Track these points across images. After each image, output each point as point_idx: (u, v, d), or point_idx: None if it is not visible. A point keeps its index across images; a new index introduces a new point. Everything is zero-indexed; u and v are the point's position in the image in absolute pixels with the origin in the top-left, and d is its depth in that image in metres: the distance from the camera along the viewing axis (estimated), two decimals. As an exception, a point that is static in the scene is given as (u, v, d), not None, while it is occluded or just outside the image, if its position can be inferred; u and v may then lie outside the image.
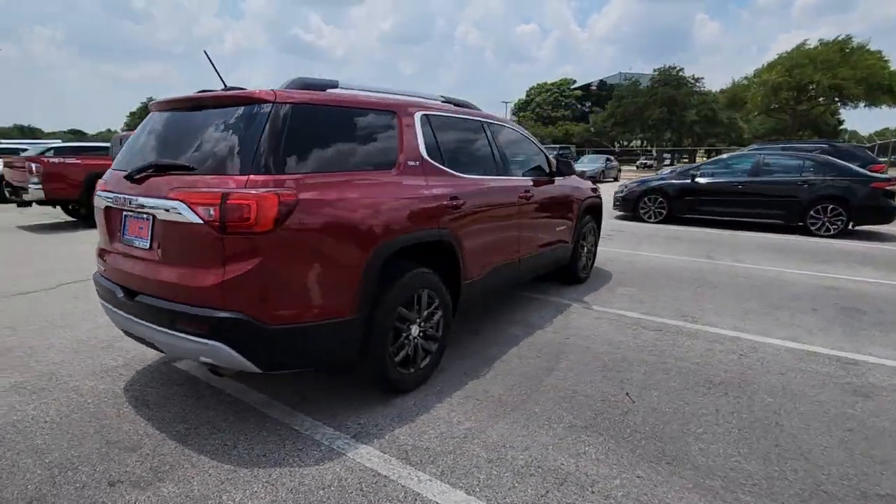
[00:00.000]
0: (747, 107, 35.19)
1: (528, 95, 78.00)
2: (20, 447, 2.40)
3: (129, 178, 2.48)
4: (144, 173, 2.45)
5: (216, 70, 2.64)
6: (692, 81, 43.99)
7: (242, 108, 2.37)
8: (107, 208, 2.68)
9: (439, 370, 3.23)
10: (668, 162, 43.71)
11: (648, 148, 50.90)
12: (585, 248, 5.36)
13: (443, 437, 2.51)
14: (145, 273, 2.42)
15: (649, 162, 40.81)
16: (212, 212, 2.14)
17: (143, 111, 72.03)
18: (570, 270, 5.18)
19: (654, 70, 44.70)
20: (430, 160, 3.09)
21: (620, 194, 10.64)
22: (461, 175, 3.32)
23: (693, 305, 4.67)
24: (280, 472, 2.23)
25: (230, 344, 2.21)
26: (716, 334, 3.94)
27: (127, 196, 2.50)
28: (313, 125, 2.50)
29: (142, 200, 2.40)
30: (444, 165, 3.20)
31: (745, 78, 35.19)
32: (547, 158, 4.60)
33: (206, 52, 2.65)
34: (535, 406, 2.82)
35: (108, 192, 2.65)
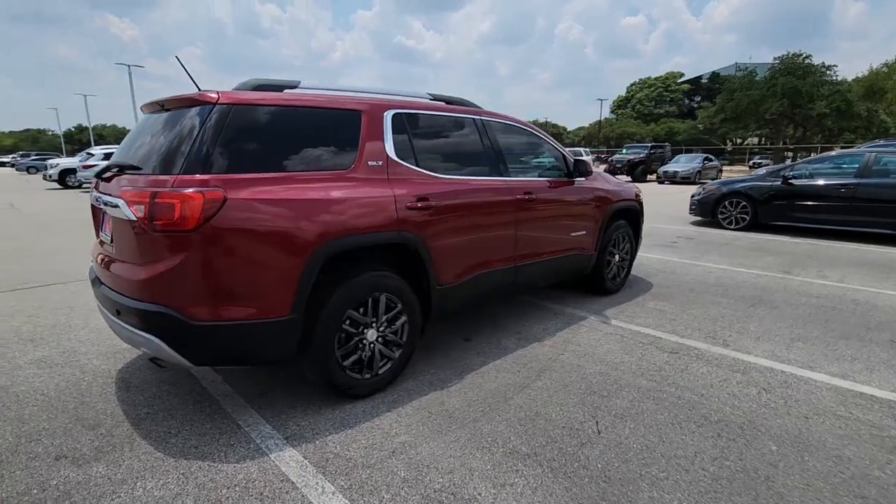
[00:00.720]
0: (887, 97, 30.17)
1: (628, 92, 73.98)
2: (10, 415, 2.71)
3: (97, 176, 2.70)
4: (110, 172, 2.65)
5: (188, 73, 2.77)
6: (822, 70, 38.59)
7: (190, 109, 2.46)
8: (92, 205, 2.94)
9: (407, 376, 3.13)
10: (789, 161, 38.88)
11: (768, 146, 45.64)
12: (617, 257, 4.90)
13: (371, 448, 2.41)
14: (105, 265, 2.62)
15: (764, 161, 36.58)
16: (142, 209, 2.25)
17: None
18: (595, 280, 4.77)
19: (775, 59, 39.91)
20: (397, 160, 2.99)
21: (697, 197, 9.61)
22: (438, 176, 3.18)
23: (732, 327, 4.06)
24: (199, 466, 2.28)
25: (160, 337, 2.30)
26: (743, 362, 3.38)
27: (98, 194, 2.71)
28: (256, 126, 2.52)
29: (104, 198, 2.58)
30: (416, 165, 3.08)
31: (885, 65, 30.19)
32: (564, 159, 4.27)
33: (177, 58, 2.78)
34: (486, 425, 2.61)
35: (93, 189, 2.90)
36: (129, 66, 36.10)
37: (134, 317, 2.34)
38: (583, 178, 4.38)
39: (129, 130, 3.26)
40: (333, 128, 2.80)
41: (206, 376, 3.18)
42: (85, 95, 47.98)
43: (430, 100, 3.49)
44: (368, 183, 2.81)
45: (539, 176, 4.07)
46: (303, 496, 2.08)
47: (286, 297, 2.46)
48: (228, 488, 2.13)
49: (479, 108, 3.81)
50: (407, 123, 3.13)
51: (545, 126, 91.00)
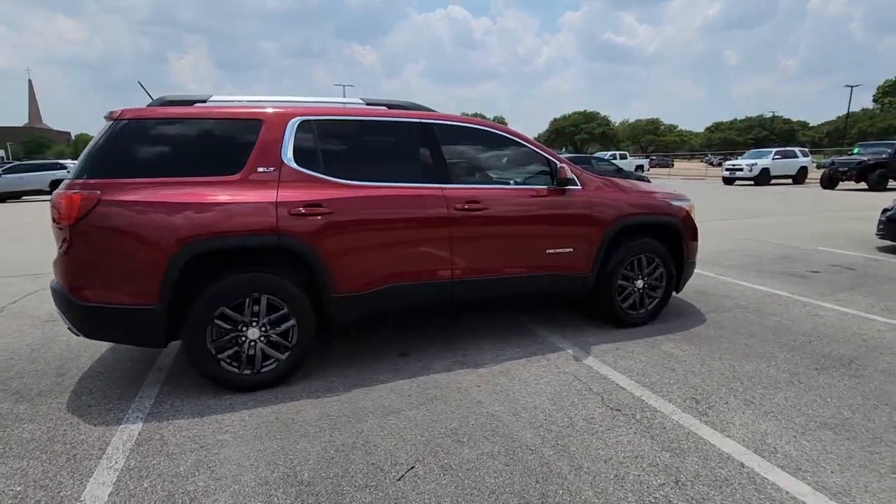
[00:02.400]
0: None
1: (899, 74, 57.68)
2: None
3: None
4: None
5: (145, 90, 3.30)
6: None
7: (107, 123, 2.94)
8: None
9: (300, 379, 3.16)
10: None
11: None
12: (639, 283, 4.00)
13: (190, 439, 2.55)
14: None
15: None
16: (52, 207, 2.79)
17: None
18: (600, 307, 3.98)
19: None
20: (294, 166, 3.04)
21: (889, 212, 7.04)
22: (344, 182, 3.11)
23: (744, 394, 2.97)
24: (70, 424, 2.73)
25: (60, 310, 2.84)
26: (702, 449, 2.47)
27: None
28: (148, 137, 2.88)
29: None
30: (318, 171, 3.08)
31: None
32: (549, 165, 3.68)
33: (140, 83, 3.34)
34: (306, 443, 2.49)
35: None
36: (343, 86, 42.64)
37: (52, 291, 2.92)
38: (576, 187, 3.72)
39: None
40: (227, 137, 3.00)
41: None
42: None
43: (365, 105, 3.42)
44: (252, 188, 2.93)
45: (507, 183, 3.61)
46: (95, 465, 2.34)
47: (151, 289, 2.75)
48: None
49: (430, 111, 3.57)
50: (315, 130, 3.15)
51: (771, 122, 76.77)
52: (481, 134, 3.62)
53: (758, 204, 14.22)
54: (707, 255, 6.94)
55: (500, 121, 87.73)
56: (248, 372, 3.01)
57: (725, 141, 76.57)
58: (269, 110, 3.10)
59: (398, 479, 2.21)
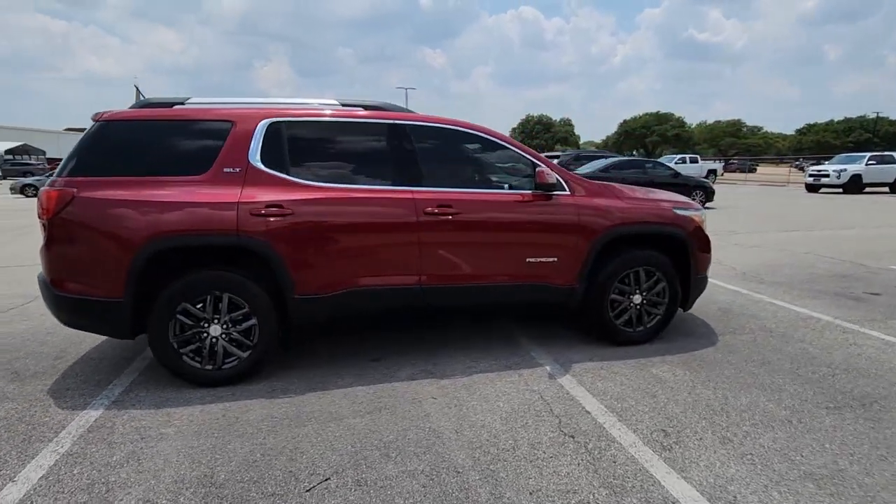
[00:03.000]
0: None
1: None
2: None
3: None
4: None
5: (139, 91, 3.48)
6: None
7: (92, 123, 3.12)
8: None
9: (262, 379, 3.18)
10: None
11: None
12: (637, 297, 3.67)
13: (136, 429, 2.62)
14: None
15: None
16: (38, 201, 3.00)
17: (524, 125, 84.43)
18: (591, 322, 3.70)
19: None
20: (260, 167, 3.07)
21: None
22: (308, 183, 3.10)
23: (734, 428, 2.61)
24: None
25: (44, 298, 3.04)
26: (652, 483, 2.20)
27: None
28: (125, 137, 3.02)
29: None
30: (283, 173, 3.09)
31: None
32: (534, 169, 3.46)
33: (136, 86, 3.52)
34: (239, 444, 2.49)
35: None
36: (406, 89, 43.57)
37: (38, 282, 3.14)
38: (563, 192, 3.48)
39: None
40: (199, 137, 3.09)
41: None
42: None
43: (340, 106, 3.38)
44: (217, 188, 2.99)
45: (486, 187, 3.45)
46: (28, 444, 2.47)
47: (118, 283, 2.88)
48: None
49: (408, 112, 3.47)
50: (284, 132, 3.16)
51: (875, 123, 69.16)
52: (460, 135, 3.48)
53: (837, 214, 12.79)
54: (751, 269, 6.31)
55: (567, 123, 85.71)
56: (209, 367, 3.07)
57: (819, 144, 69.79)
58: (240, 112, 3.16)
59: (307, 490, 2.15)
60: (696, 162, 30.73)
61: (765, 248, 7.86)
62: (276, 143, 3.14)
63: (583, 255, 3.50)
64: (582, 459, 2.36)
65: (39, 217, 2.96)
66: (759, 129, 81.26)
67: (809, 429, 2.61)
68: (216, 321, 3.04)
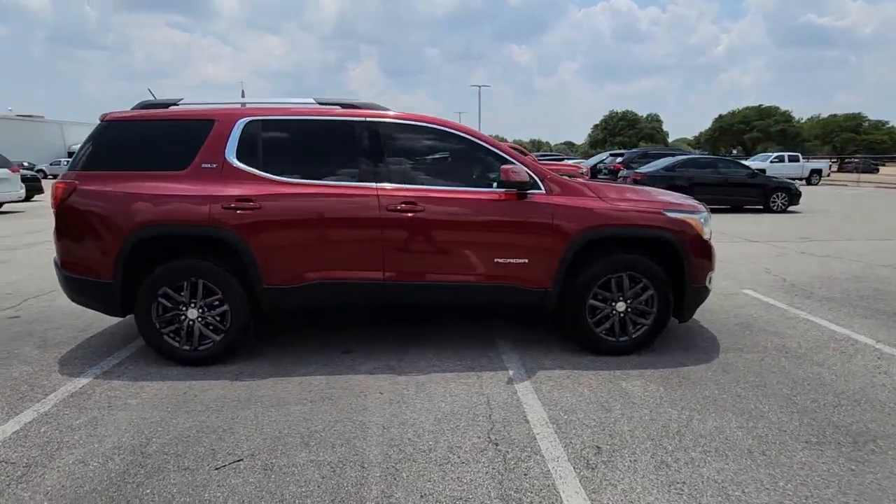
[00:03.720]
0: None
1: None
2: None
3: None
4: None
5: (151, 94, 3.80)
6: None
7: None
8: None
9: (236, 362, 3.39)
10: None
11: None
12: (620, 305, 3.42)
13: (98, 399, 2.92)
14: None
15: None
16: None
17: (606, 121, 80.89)
18: (569, 329, 3.51)
19: None
20: (236, 163, 3.26)
21: None
22: (279, 179, 3.25)
23: (680, 453, 2.37)
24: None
25: (58, 279, 3.47)
26: (554, 502, 2.07)
27: None
28: (122, 136, 3.35)
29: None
30: (257, 169, 3.26)
31: None
32: (501, 166, 3.32)
33: (149, 89, 3.86)
34: (185, 421, 2.69)
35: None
36: (479, 87, 43.92)
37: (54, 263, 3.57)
38: (538, 191, 3.34)
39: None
40: (183, 135, 3.34)
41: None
42: (460, 113, 60.04)
43: (317, 105, 3.49)
44: (194, 183, 3.22)
45: (454, 185, 3.39)
46: None
47: (109, 266, 3.21)
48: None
49: (384, 110, 3.50)
50: (260, 130, 3.33)
51: None
52: (432, 133, 3.45)
53: (954, 222, 10.95)
54: (805, 280, 5.63)
55: (654, 119, 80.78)
56: (187, 348, 3.33)
57: (963, 141, 59.79)
58: (222, 112, 3.37)
59: (216, 469, 2.27)
60: (797, 161, 27.70)
61: (835, 259, 6.94)
62: (252, 140, 3.31)
63: (557, 257, 3.33)
64: (493, 469, 2.27)
65: (53, 206, 3.37)
66: (885, 123, 71.10)
67: (771, 463, 2.31)
68: (193, 305, 3.29)
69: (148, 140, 3.37)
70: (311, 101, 3.53)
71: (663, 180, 12.57)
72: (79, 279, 3.32)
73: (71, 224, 3.29)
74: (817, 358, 3.50)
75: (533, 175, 3.36)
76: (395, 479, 2.20)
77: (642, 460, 2.33)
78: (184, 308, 3.29)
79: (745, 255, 7.16)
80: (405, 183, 3.34)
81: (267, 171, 3.27)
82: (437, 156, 3.58)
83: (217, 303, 3.29)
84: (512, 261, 3.34)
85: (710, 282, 3.58)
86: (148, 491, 2.12)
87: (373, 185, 3.29)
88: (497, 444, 2.46)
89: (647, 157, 15.00)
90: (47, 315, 4.45)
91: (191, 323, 3.31)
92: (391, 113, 3.47)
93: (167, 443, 2.47)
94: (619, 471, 2.26)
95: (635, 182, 12.80)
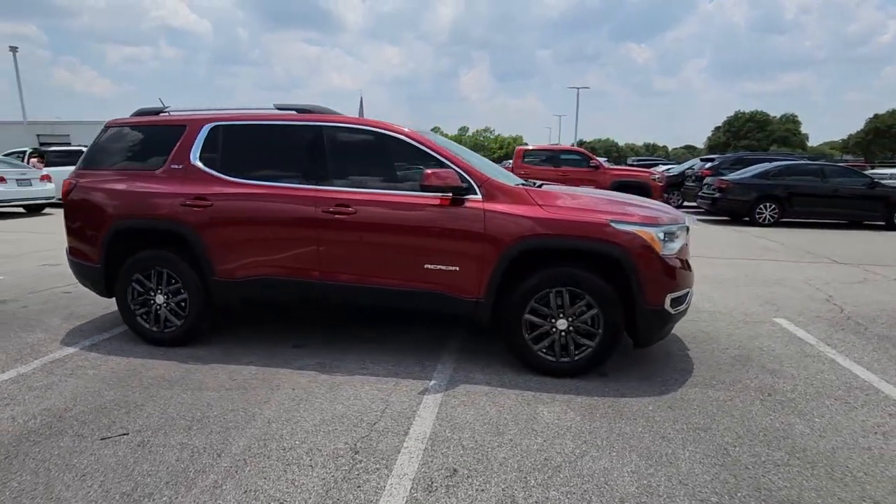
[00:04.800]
0: None
1: None
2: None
3: None
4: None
5: (161, 102, 4.27)
6: None
7: (104, 129, 4.02)
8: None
9: (196, 346, 3.70)
10: None
11: None
12: (562, 323, 3.14)
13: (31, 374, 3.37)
14: None
15: None
16: (69, 188, 4.01)
17: (730, 122, 73.38)
18: (509, 344, 3.29)
19: None
20: (198, 165, 3.56)
21: None
22: (232, 179, 3.49)
23: (546, 476, 2.14)
24: (55, 337, 3.93)
25: (69, 264, 4.06)
26: (360, 512, 1.99)
27: None
28: (117, 139, 3.83)
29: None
30: (215, 170, 3.54)
31: None
32: (434, 171, 3.16)
33: (160, 99, 4.34)
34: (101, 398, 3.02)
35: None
36: (577, 88, 42.43)
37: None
38: (473, 196, 3.19)
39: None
40: (161, 139, 3.71)
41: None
42: (560, 116, 58.03)
43: (276, 110, 3.67)
44: (164, 182, 3.58)
45: (390, 189, 3.36)
46: None
47: (98, 253, 3.70)
48: None
49: (335, 114, 3.57)
50: (221, 134, 3.60)
51: None
52: (375, 136, 3.44)
53: None
54: (870, 313, 4.68)
55: (790, 120, 71.46)
56: (155, 329, 3.71)
57: None
58: (194, 118, 3.70)
59: (101, 439, 2.52)
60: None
61: (939, 290, 5.63)
62: (214, 143, 3.60)
63: (490, 267, 3.16)
64: (331, 477, 2.23)
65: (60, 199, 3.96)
66: None
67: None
68: (160, 292, 3.66)
69: (135, 143, 3.82)
70: (273, 105, 3.73)
71: (755, 190, 11.17)
72: (78, 263, 3.86)
73: (72, 216, 3.84)
74: (805, 406, 2.90)
75: (469, 180, 3.22)
76: (236, 472, 2.26)
77: (490, 491, 2.14)
78: (153, 293, 3.67)
79: (813, 278, 6.10)
80: (343, 185, 3.39)
81: (223, 173, 3.54)
82: (376, 159, 3.56)
83: (179, 291, 3.62)
84: (442, 268, 3.23)
85: (673, 304, 3.14)
86: (38, 450, 2.42)
87: (313, 186, 3.40)
88: (357, 453, 2.42)
89: (742, 163, 13.34)
90: (81, 291, 5.19)
91: (158, 307, 3.68)
92: (337, 116, 3.55)
93: (85, 411, 2.79)
94: (456, 498, 2.10)
95: (719, 190, 11.52)
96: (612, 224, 3.05)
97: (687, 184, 14.49)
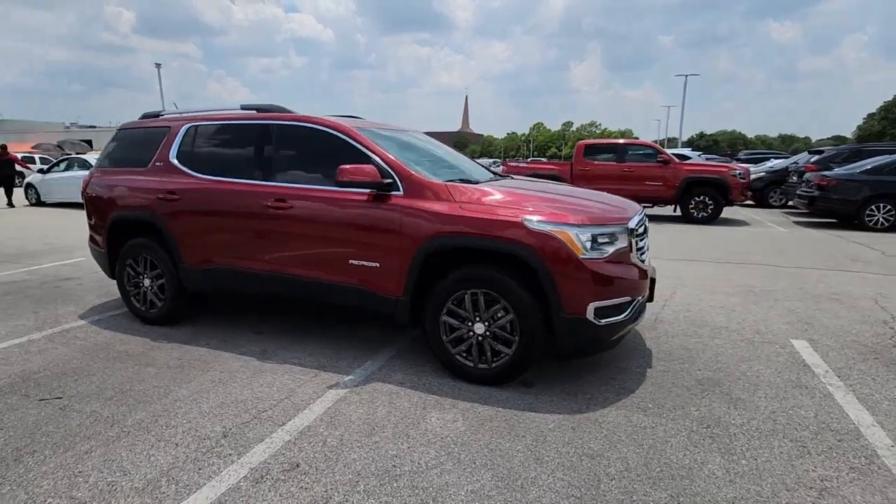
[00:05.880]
0: None
1: None
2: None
3: None
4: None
5: (175, 106, 4.78)
6: None
7: (120, 132, 4.57)
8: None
9: (179, 329, 4.09)
10: None
11: None
12: (479, 327, 2.95)
13: None
14: None
15: None
16: (95, 184, 4.64)
17: (885, 110, 62.43)
18: (431, 345, 3.17)
19: None
20: (174, 162, 3.92)
21: None
22: (198, 175, 3.79)
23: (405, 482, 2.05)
24: (78, 311, 4.58)
25: (89, 249, 4.69)
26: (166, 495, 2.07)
27: None
28: (125, 139, 4.34)
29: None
30: (186, 167, 3.87)
31: None
32: (348, 167, 3.11)
33: (174, 104, 4.81)
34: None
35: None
36: (685, 76, 39.23)
37: (92, 238, 4.82)
38: (398, 193, 3.12)
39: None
40: (152, 139, 4.13)
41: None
42: (669, 107, 53.27)
43: (240, 109, 3.90)
44: (149, 177, 4.00)
45: (325, 185, 3.39)
46: None
47: (105, 240, 4.25)
48: (52, 321, 4.32)
49: (288, 112, 3.69)
50: (194, 134, 3.92)
51: None
52: (316, 133, 3.49)
53: None
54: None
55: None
56: (143, 309, 4.16)
57: None
58: (177, 119, 4.07)
59: (40, 400, 2.90)
60: None
61: None
62: (188, 142, 3.93)
63: (407, 265, 3.07)
64: (185, 457, 2.35)
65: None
66: None
67: (435, 541, 1.83)
68: (146, 276, 4.10)
69: (135, 144, 4.29)
70: (238, 105, 3.97)
71: (865, 187, 9.46)
72: (93, 248, 4.47)
73: (88, 208, 4.44)
74: (742, 444, 2.43)
75: (394, 175, 3.16)
76: (113, 442, 2.47)
77: (312, 491, 2.11)
78: (141, 277, 4.12)
79: (892, 296, 5.01)
80: (285, 181, 3.51)
81: (191, 169, 3.85)
82: (315, 156, 3.58)
83: (160, 276, 4.03)
84: (365, 264, 3.22)
85: (600, 315, 2.79)
86: (-11, 403, 2.87)
87: (259, 182, 3.57)
88: (225, 437, 2.51)
89: (860, 156, 11.23)
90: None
91: (145, 290, 4.13)
92: (284, 115, 3.67)
93: (49, 375, 3.23)
94: (275, 492, 2.10)
95: (819, 188, 9.89)
96: (525, 223, 2.80)
97: (789, 180, 12.61)
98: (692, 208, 10.54)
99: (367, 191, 3.19)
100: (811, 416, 2.70)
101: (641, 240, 3.18)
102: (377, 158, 3.25)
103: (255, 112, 3.83)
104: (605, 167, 11.00)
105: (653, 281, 3.28)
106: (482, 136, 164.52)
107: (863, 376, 3.18)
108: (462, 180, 3.37)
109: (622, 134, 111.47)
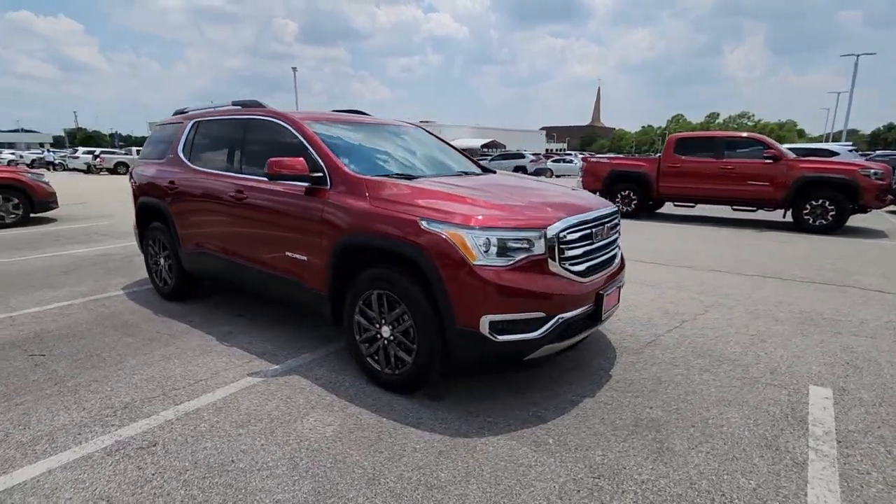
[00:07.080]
0: None
1: None
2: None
3: None
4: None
5: (212, 104, 5.25)
6: None
7: (162, 128, 5.16)
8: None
9: (186, 306, 4.54)
10: None
11: None
12: (386, 331, 2.79)
13: None
14: None
15: None
16: (141, 172, 5.32)
17: None
18: (348, 346, 3.08)
19: None
20: (180, 155, 4.33)
21: None
22: (192, 166, 4.14)
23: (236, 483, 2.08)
24: (125, 283, 5.32)
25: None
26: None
27: None
28: (155, 135, 4.90)
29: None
30: (186, 159, 4.25)
31: None
32: (315, 161, 3.16)
33: (211, 102, 5.27)
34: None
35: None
36: (857, 55, 32.74)
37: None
38: (325, 187, 3.08)
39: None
40: (171, 134, 4.60)
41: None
42: (838, 93, 44.21)
43: (232, 105, 4.14)
44: (164, 168, 4.47)
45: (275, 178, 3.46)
46: None
47: (136, 222, 4.87)
48: (100, 289, 5.08)
49: (263, 107, 3.82)
50: (196, 129, 4.28)
51: None
52: (273, 127, 3.55)
53: None
54: None
55: None
56: (160, 284, 4.69)
57: None
58: (189, 115, 4.47)
59: (30, 355, 3.41)
60: None
61: None
62: (191, 137, 4.31)
63: (327, 261, 3.02)
64: (80, 420, 2.59)
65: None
66: None
67: (198, 544, 1.78)
68: (161, 255, 4.60)
69: (161, 138, 4.82)
70: (230, 102, 4.23)
71: None
72: (135, 232, 5.13)
73: (133, 195, 5.10)
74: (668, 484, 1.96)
75: (325, 169, 3.12)
76: (45, 399, 2.82)
77: (144, 471, 2.18)
78: (157, 256, 4.64)
79: None
80: (247, 173, 3.66)
81: (189, 161, 4.22)
82: (272, 148, 3.61)
83: (169, 257, 4.50)
84: (297, 256, 3.23)
85: (497, 329, 2.45)
86: (-4, 353, 3.46)
87: (230, 173, 3.78)
88: (125, 409, 2.71)
89: None
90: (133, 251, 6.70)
91: (160, 268, 4.64)
92: (255, 109, 3.81)
93: (56, 336, 3.79)
94: (114, 467, 2.21)
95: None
96: (421, 222, 2.56)
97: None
98: (807, 214, 8.77)
99: (303, 184, 3.20)
100: (749, 489, 2.09)
101: (581, 247, 2.73)
102: (311, 151, 3.23)
103: (240, 108, 4.07)
104: (698, 164, 9.65)
105: (599, 297, 2.80)
106: (613, 129, 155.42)
107: (874, 446, 2.38)
108: (403, 175, 3.21)
109: (781, 126, 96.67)
